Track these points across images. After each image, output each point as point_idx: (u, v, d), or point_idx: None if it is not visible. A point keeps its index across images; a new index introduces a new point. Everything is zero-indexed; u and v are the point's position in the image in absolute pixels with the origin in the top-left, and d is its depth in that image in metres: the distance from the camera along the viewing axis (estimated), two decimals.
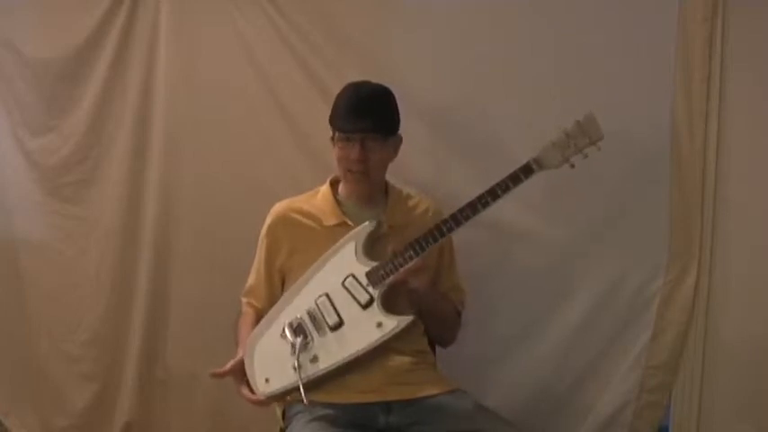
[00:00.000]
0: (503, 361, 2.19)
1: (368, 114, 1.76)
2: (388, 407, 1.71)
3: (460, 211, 1.70)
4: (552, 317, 2.15)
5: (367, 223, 1.77)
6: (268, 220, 1.89)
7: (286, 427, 1.74)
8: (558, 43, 2.09)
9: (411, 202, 1.92)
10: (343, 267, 1.74)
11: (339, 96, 1.82)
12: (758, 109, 1.97)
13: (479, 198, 1.70)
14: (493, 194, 1.70)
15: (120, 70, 2.38)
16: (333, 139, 1.83)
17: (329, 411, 1.68)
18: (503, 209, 2.12)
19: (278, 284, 1.88)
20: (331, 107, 1.83)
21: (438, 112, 2.18)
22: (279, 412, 1.83)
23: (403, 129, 1.87)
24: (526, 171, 1.70)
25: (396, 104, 1.83)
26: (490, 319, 2.17)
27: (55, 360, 2.52)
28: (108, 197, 2.43)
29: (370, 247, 1.76)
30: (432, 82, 2.17)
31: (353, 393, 1.71)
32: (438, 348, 1.97)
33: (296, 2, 2.25)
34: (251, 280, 1.92)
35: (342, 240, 1.77)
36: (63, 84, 2.43)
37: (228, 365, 1.75)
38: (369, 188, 1.86)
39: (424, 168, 2.18)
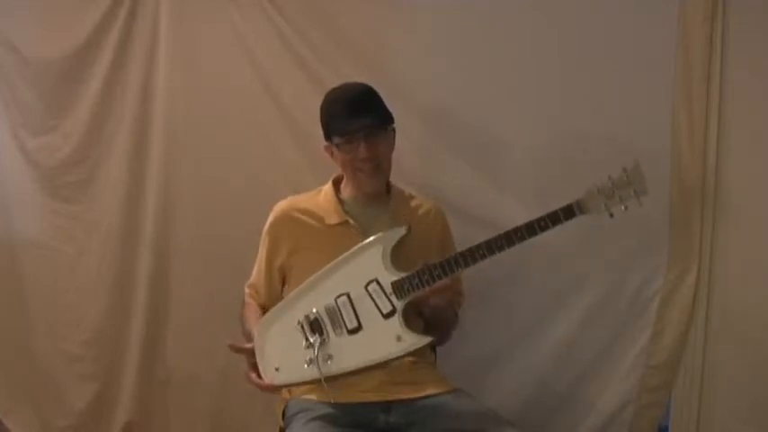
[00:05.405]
0: (503, 361, 2.19)
1: (363, 110, 1.76)
2: (388, 406, 1.71)
3: (495, 239, 1.65)
4: (552, 317, 2.15)
5: (399, 229, 1.73)
6: (270, 219, 1.89)
7: (286, 427, 1.74)
8: (557, 43, 2.08)
9: (413, 203, 1.92)
10: (368, 270, 1.71)
11: (327, 104, 1.81)
12: (758, 109, 1.97)
13: (515, 231, 1.65)
14: (530, 230, 1.64)
15: (120, 70, 2.39)
16: (331, 148, 1.82)
17: (329, 411, 1.68)
18: (503, 209, 2.13)
19: (277, 284, 1.88)
20: (321, 120, 1.82)
21: (437, 111, 2.18)
22: (279, 412, 1.83)
23: (402, 128, 1.87)
24: (567, 213, 1.65)
25: (380, 96, 1.81)
26: (491, 319, 2.17)
27: (55, 360, 2.52)
28: (108, 197, 2.43)
29: (396, 253, 1.73)
30: (431, 82, 2.17)
31: (353, 393, 1.71)
32: (438, 348, 1.97)
33: (296, 2, 2.25)
34: (254, 275, 1.93)
35: (371, 240, 1.74)
36: (63, 84, 2.43)
37: (248, 345, 1.77)
38: (382, 182, 1.85)
39: (422, 168, 2.18)
